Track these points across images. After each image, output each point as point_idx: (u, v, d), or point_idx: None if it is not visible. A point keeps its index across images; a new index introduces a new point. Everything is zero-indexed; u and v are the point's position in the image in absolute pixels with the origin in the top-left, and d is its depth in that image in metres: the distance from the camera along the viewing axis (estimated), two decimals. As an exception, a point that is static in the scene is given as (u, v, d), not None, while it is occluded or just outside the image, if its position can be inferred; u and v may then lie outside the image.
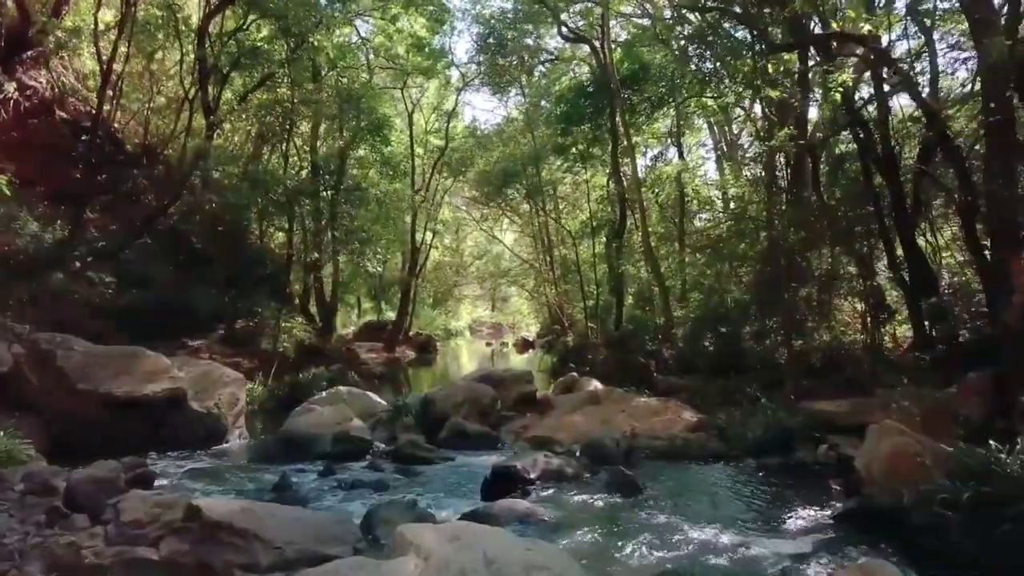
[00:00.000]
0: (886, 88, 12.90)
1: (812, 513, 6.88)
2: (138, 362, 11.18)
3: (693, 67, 19.88)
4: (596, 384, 14.62)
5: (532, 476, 7.91)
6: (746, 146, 28.50)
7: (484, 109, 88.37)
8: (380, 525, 5.92)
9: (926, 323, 13.53)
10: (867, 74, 13.92)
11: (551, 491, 7.76)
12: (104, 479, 6.27)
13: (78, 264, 15.86)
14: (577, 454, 9.40)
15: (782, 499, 7.42)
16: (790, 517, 6.83)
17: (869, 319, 15.34)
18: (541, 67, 32.63)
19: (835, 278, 15.24)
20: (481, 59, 29.80)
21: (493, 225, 42.20)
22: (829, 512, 6.82)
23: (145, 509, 5.54)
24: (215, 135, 19.68)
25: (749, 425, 9.94)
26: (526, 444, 10.66)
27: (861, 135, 13.98)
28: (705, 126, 33.02)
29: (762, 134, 18.94)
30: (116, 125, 20.68)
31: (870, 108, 14.26)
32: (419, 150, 31.95)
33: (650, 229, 22.03)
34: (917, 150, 13.46)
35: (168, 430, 10.71)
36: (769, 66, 12.30)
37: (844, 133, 15.45)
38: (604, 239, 25.74)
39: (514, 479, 7.75)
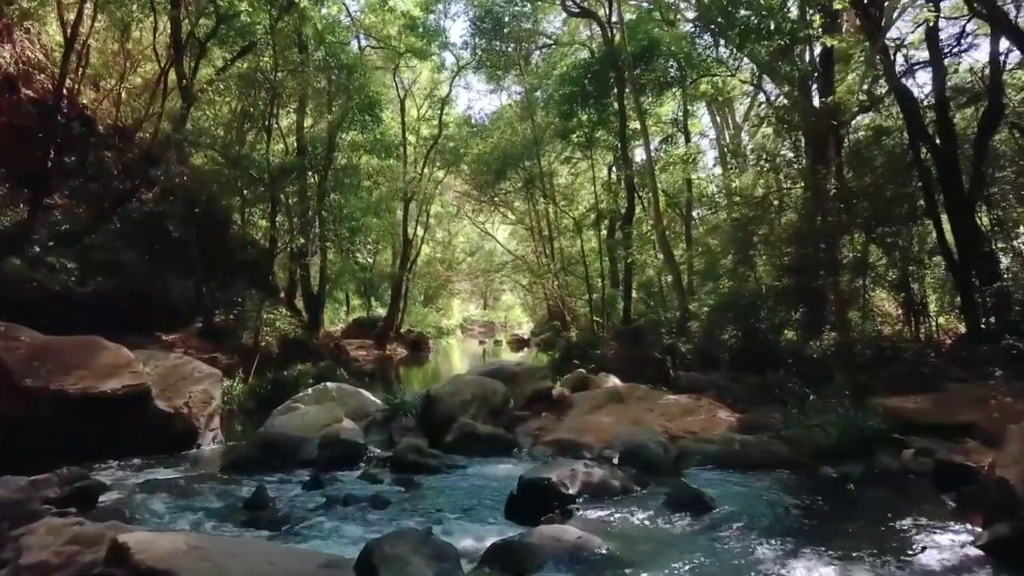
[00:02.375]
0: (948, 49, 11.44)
1: (942, 539, 5.29)
2: (95, 355, 9.84)
3: (706, 44, 18.63)
4: (615, 380, 13.11)
5: (571, 491, 6.25)
6: (747, 129, 27.25)
7: (478, 96, 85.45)
8: (385, 566, 4.23)
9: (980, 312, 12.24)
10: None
11: (598, 511, 6.12)
12: (9, 501, 4.65)
13: (37, 248, 14.45)
14: (615, 461, 7.84)
15: (891, 519, 5.78)
16: (918, 545, 5.20)
17: (913, 309, 14.05)
18: (538, 52, 31.31)
19: (868, 265, 13.85)
20: (477, 42, 28.24)
21: (486, 220, 40.72)
22: (965, 538, 5.23)
23: (57, 545, 3.96)
24: (192, 107, 18.09)
25: (809, 425, 8.45)
26: (547, 448, 9.15)
27: (907, 103, 12.66)
28: (707, 116, 31.77)
29: (781, 114, 17.55)
30: (85, 102, 19.11)
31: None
32: (411, 138, 30.39)
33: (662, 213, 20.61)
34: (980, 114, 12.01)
35: (129, 433, 9.37)
36: (816, 17, 10.83)
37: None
38: (606, 229, 24.36)
39: (550, 495, 6.11)
